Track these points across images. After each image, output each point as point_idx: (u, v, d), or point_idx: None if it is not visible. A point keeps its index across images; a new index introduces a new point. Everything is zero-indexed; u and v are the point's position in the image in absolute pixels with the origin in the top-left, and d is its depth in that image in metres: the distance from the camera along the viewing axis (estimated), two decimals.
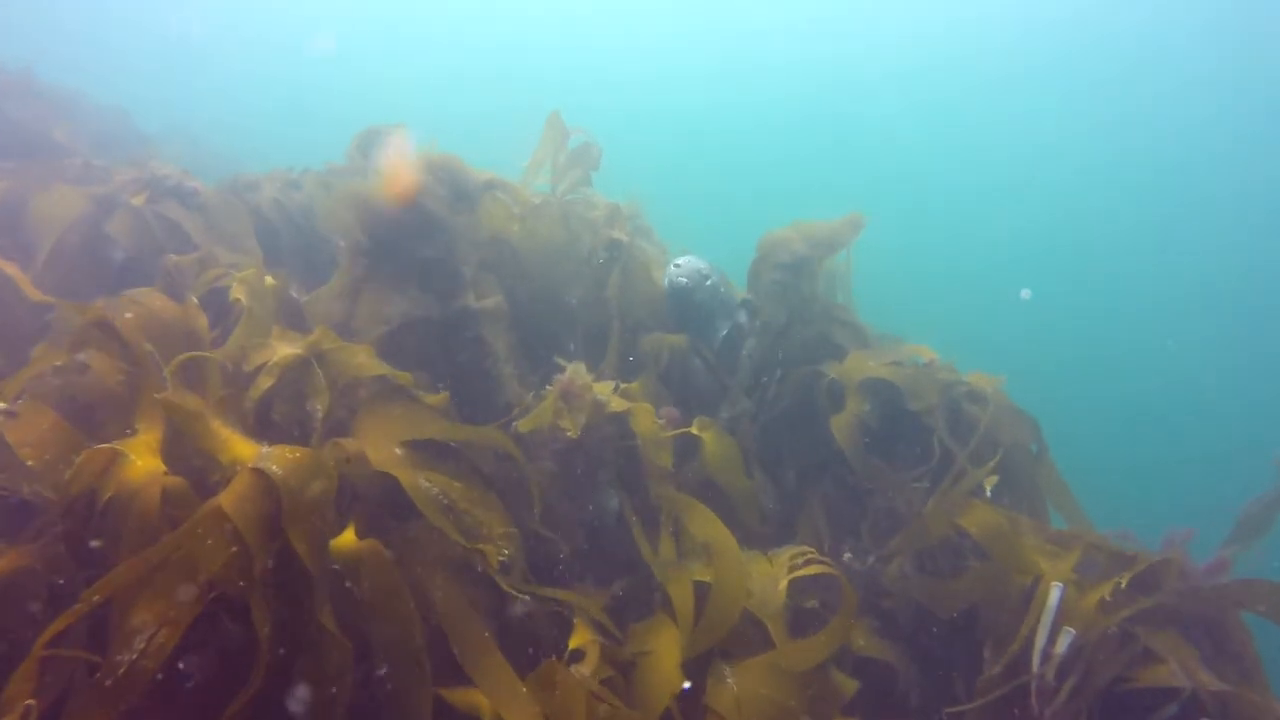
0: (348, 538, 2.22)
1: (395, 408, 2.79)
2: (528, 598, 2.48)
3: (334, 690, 1.88)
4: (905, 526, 3.53)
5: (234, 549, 1.75)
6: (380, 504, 2.49)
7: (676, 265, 4.27)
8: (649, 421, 3.30)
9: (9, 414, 2.02)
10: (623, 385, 3.45)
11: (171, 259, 3.40)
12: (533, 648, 2.51)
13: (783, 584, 3.04)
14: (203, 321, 2.79)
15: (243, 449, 1.95)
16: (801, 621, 3.16)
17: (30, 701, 1.67)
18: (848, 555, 3.75)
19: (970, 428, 3.89)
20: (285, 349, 2.66)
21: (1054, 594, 2.70)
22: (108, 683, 1.65)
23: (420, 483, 2.38)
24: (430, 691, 2.11)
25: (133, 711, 1.73)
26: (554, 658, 2.30)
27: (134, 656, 1.68)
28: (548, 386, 3.23)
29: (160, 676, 1.72)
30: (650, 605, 3.07)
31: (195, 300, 2.81)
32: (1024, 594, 2.89)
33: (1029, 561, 2.92)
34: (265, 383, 2.56)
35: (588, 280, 4.33)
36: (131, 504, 1.84)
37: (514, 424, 3.16)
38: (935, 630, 3.28)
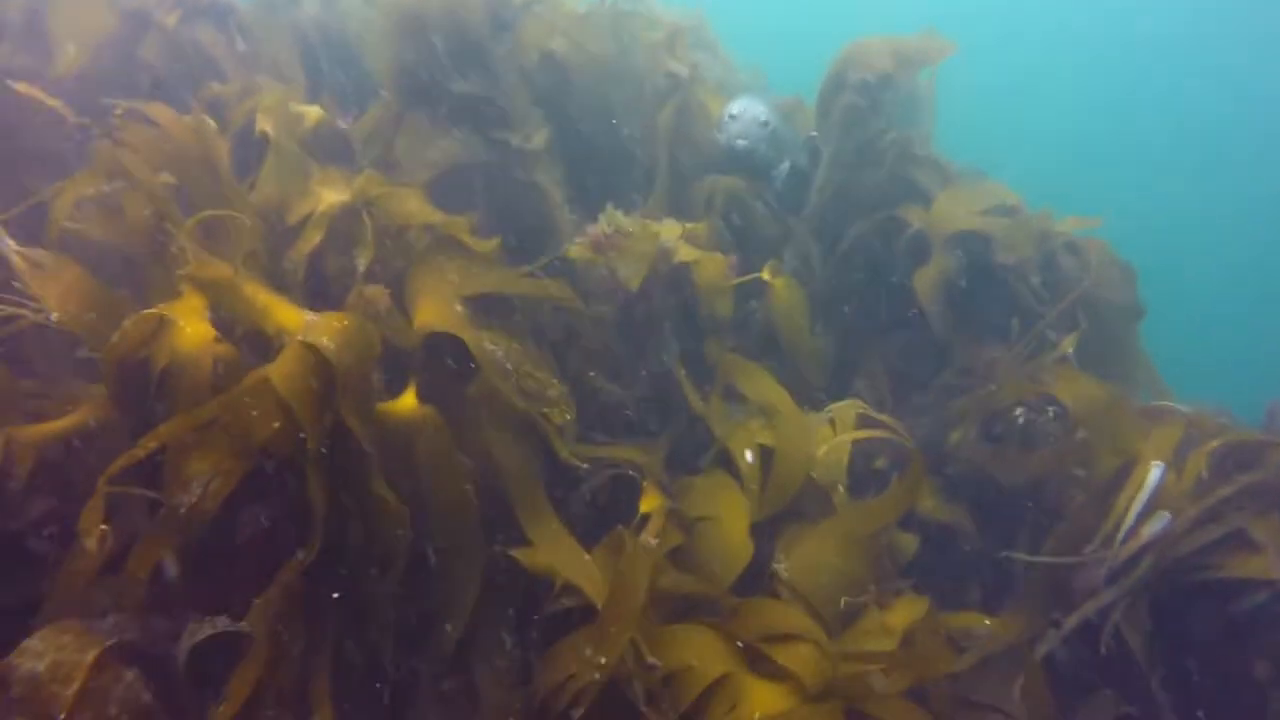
0: (407, 402, 2.17)
1: (452, 259, 2.63)
2: (586, 465, 2.44)
3: (388, 554, 1.90)
4: (980, 390, 3.35)
5: (281, 423, 1.69)
6: (436, 362, 2.42)
7: (731, 117, 3.75)
8: (715, 270, 3.09)
9: (37, 265, 1.93)
10: (687, 226, 3.20)
11: (211, 88, 3.16)
12: (597, 511, 2.52)
13: (846, 447, 2.94)
14: (222, 153, 2.55)
15: (287, 316, 1.85)
16: (863, 482, 3.11)
17: (104, 526, 1.74)
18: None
19: (1066, 284, 3.55)
20: (331, 195, 2.49)
21: (1154, 473, 2.53)
22: (170, 520, 1.67)
23: (485, 345, 2.28)
24: (481, 558, 2.14)
25: (195, 554, 1.80)
26: (620, 526, 2.28)
27: (193, 499, 1.70)
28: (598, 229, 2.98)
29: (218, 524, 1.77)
30: (696, 459, 3.03)
31: (213, 125, 2.56)
32: (1114, 474, 2.72)
33: (1127, 440, 2.73)
34: (314, 237, 2.42)
35: (646, 112, 3.95)
36: (183, 373, 1.78)
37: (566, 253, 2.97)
38: (997, 500, 3.19)
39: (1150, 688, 2.64)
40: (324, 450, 1.79)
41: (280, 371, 1.71)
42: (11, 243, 1.99)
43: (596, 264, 2.97)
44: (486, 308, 2.62)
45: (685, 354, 3.28)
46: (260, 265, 2.42)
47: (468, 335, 2.25)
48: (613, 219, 2.95)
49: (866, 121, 3.70)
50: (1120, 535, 2.59)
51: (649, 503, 2.35)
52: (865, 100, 3.66)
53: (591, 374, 3.00)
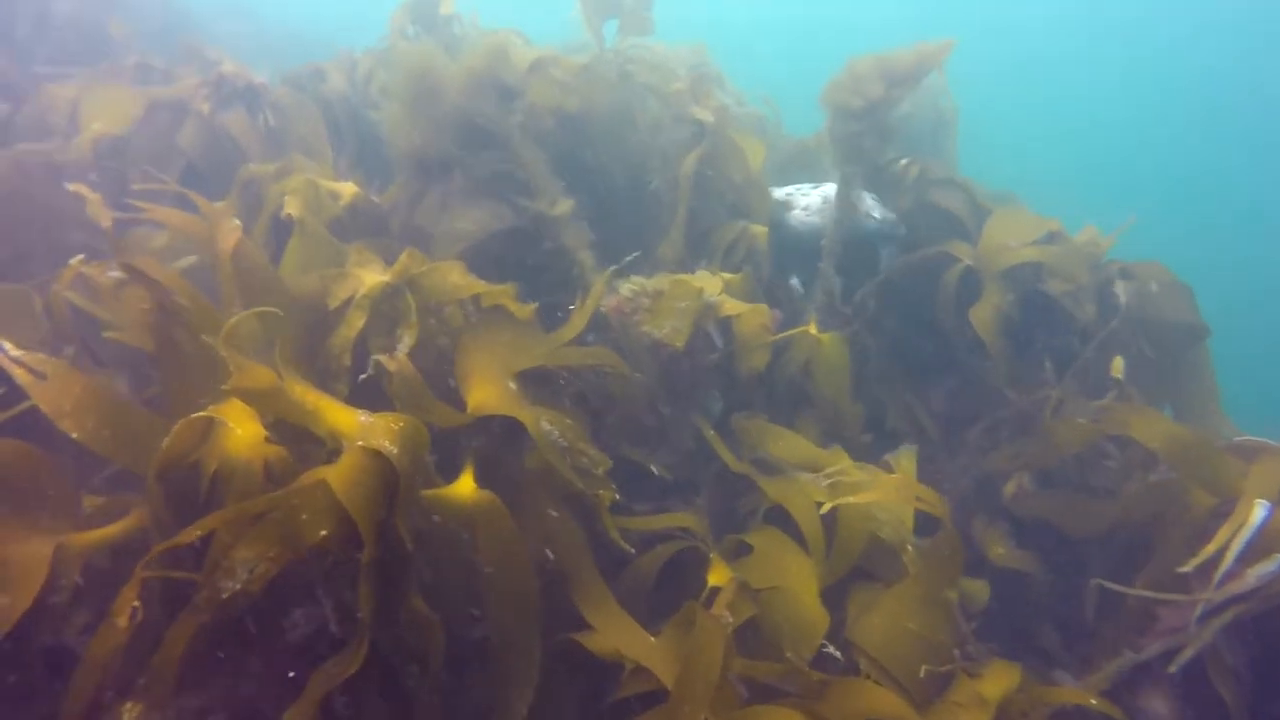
0: (465, 487, 2.10)
1: (499, 333, 2.59)
2: (633, 549, 2.35)
3: (425, 667, 1.82)
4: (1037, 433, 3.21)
5: (332, 528, 1.64)
6: (487, 441, 2.36)
7: (804, 208, 3.72)
8: (757, 324, 3.02)
9: (38, 375, 1.89)
10: (726, 277, 3.14)
11: (246, 170, 3.19)
12: (656, 587, 2.43)
13: (910, 503, 2.82)
14: (246, 240, 2.52)
15: (339, 418, 1.79)
16: (925, 528, 2.98)
17: (136, 603, 1.69)
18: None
19: (1124, 311, 3.43)
20: (372, 277, 2.47)
21: (1259, 512, 2.38)
22: (211, 600, 1.62)
23: (543, 426, 2.22)
24: (537, 645, 2.05)
25: (235, 643, 1.73)
26: (692, 600, 2.18)
27: (236, 585, 1.64)
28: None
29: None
30: (733, 517, 2.93)
31: (236, 219, 2.55)
32: (1208, 514, 2.58)
33: (1223, 479, 2.58)
34: (357, 322, 2.39)
35: (669, 160, 3.93)
36: (234, 476, 1.74)
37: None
38: (1065, 545, 3.04)
39: None
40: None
41: (340, 476, 1.65)
42: (12, 349, 1.93)
43: (636, 329, 2.92)
44: (534, 379, 2.58)
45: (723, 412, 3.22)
46: (299, 356, 2.39)
47: (526, 416, 2.19)
48: (636, 284, 2.91)
49: (874, 150, 3.65)
50: (1218, 575, 2.44)
51: (718, 575, 2.26)
52: (862, 125, 3.59)
53: (629, 442, 2.94)
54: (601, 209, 3.78)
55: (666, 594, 2.51)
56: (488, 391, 2.23)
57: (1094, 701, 2.23)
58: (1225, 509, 2.48)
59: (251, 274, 2.30)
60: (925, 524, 2.81)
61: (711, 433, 3.02)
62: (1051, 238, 3.60)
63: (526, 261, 3.27)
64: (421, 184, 3.21)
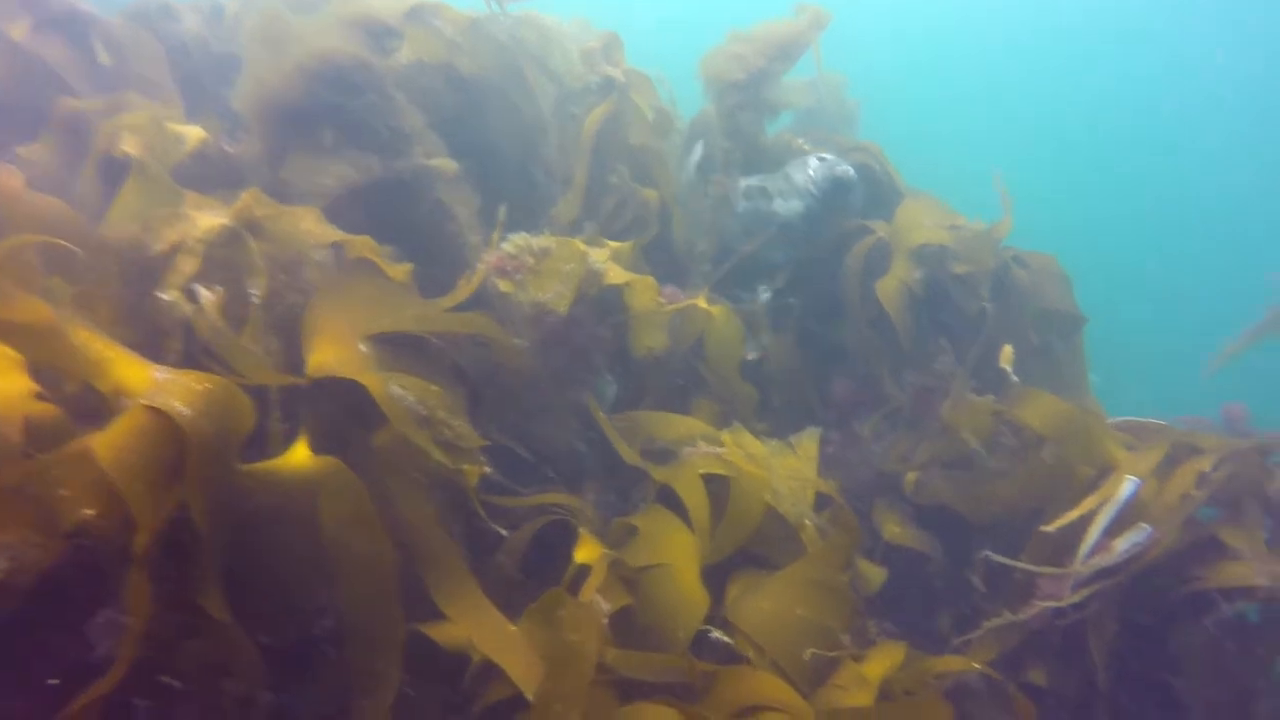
0: (299, 455, 1.83)
1: (359, 288, 2.32)
2: (506, 532, 2.12)
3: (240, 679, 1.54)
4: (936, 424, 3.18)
5: (101, 507, 1.34)
6: (337, 407, 2.09)
7: (781, 193, 3.50)
8: (648, 296, 2.84)
9: None
10: (613, 245, 2.96)
11: (66, 103, 2.76)
12: (526, 570, 2.21)
13: (812, 477, 2.71)
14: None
15: (130, 373, 1.49)
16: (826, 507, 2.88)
17: None
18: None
19: (1016, 296, 3.46)
20: (209, 219, 2.14)
21: (1126, 487, 2.38)
22: None
23: (393, 391, 1.96)
24: (401, 634, 1.80)
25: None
26: (555, 587, 1.97)
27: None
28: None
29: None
30: (632, 499, 2.76)
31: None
32: (1086, 487, 2.57)
33: (1103, 451, 2.58)
34: (187, 267, 2.06)
35: (573, 121, 3.73)
36: None
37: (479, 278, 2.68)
38: (964, 525, 3.02)
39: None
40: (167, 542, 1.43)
41: (109, 443, 1.35)
42: None
43: (518, 293, 2.70)
44: (400, 346, 2.31)
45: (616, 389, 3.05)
46: (122, 314, 2.05)
47: (371, 380, 1.92)
48: (520, 241, 2.67)
49: (753, 126, 3.57)
50: (1084, 549, 2.44)
51: (586, 551, 2.05)
52: (743, 97, 3.51)
53: (513, 420, 2.72)
54: (491, 178, 3.54)
55: (551, 582, 2.30)
56: (331, 352, 1.96)
57: (976, 665, 2.16)
58: (1102, 481, 2.49)
59: (33, 210, 1.93)
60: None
61: (603, 417, 2.83)
62: (956, 227, 3.62)
63: (403, 224, 2.98)
64: (284, 137, 2.87)
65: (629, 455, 2.72)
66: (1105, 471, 2.55)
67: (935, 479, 3.06)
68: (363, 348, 2.06)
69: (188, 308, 1.86)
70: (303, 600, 1.93)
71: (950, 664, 2.21)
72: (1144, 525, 2.34)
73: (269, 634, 1.88)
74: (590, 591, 1.94)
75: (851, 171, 3.46)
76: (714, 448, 2.61)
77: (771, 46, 3.66)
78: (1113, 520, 2.41)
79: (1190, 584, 2.43)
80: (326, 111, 2.81)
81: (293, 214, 2.21)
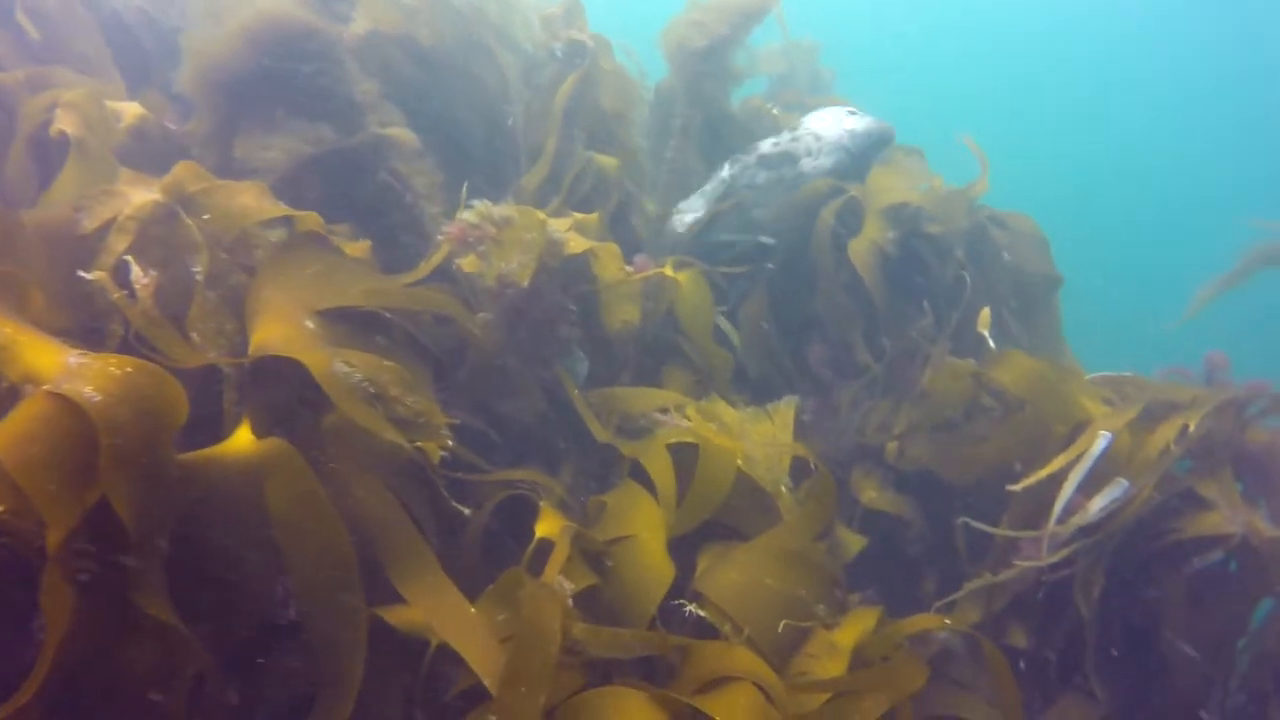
0: (242, 440, 1.74)
1: (307, 264, 2.22)
2: (467, 511, 2.05)
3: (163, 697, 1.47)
4: (916, 373, 3.13)
5: (10, 503, 1.26)
6: (286, 388, 2.00)
7: (810, 152, 3.40)
8: (614, 265, 2.76)
9: None
10: (578, 216, 2.87)
11: None
12: (493, 549, 2.14)
13: (788, 442, 2.65)
14: None
15: (39, 358, 1.40)
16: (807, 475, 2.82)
17: None
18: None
19: (992, 255, 3.40)
20: (142, 195, 2.04)
21: (1099, 442, 2.34)
22: None
23: (336, 368, 1.87)
24: (363, 620, 1.74)
25: None
26: (516, 565, 1.91)
27: None
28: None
29: None
30: (610, 478, 2.70)
31: None
32: (1062, 443, 2.53)
33: (1078, 407, 2.54)
34: (118, 245, 1.96)
35: (540, 91, 3.62)
36: None
37: (455, 263, 2.61)
38: (947, 489, 2.98)
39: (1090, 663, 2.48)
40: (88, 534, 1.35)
41: (7, 433, 1.27)
42: None
43: (479, 264, 2.61)
44: (355, 323, 2.22)
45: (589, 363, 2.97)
46: (56, 299, 1.95)
47: (311, 357, 1.83)
48: (481, 209, 2.57)
49: (717, 94, 3.48)
50: (1059, 507, 2.41)
51: (546, 525, 1.98)
52: (707, 66, 3.43)
53: (484, 392, 2.65)
54: (455, 151, 3.43)
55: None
56: (274, 331, 1.87)
57: (947, 621, 2.13)
58: (1077, 437, 2.45)
59: None
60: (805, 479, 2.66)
61: (576, 393, 2.75)
62: (932, 188, 3.55)
63: (361, 197, 2.88)
64: (231, 110, 2.75)
65: (600, 432, 2.66)
66: (1080, 427, 2.50)
67: (915, 444, 3.01)
68: (309, 324, 1.97)
69: (113, 288, 1.76)
70: (259, 590, 1.86)
71: (922, 623, 2.17)
72: (1121, 480, 2.30)
73: (224, 628, 1.82)
74: (555, 567, 1.88)
75: (889, 125, 3.39)
76: (684, 419, 2.55)
77: (733, 13, 3.59)
78: (1087, 476, 2.37)
79: (1167, 536, 2.40)
80: (274, 80, 2.68)
81: (229, 188, 2.11)
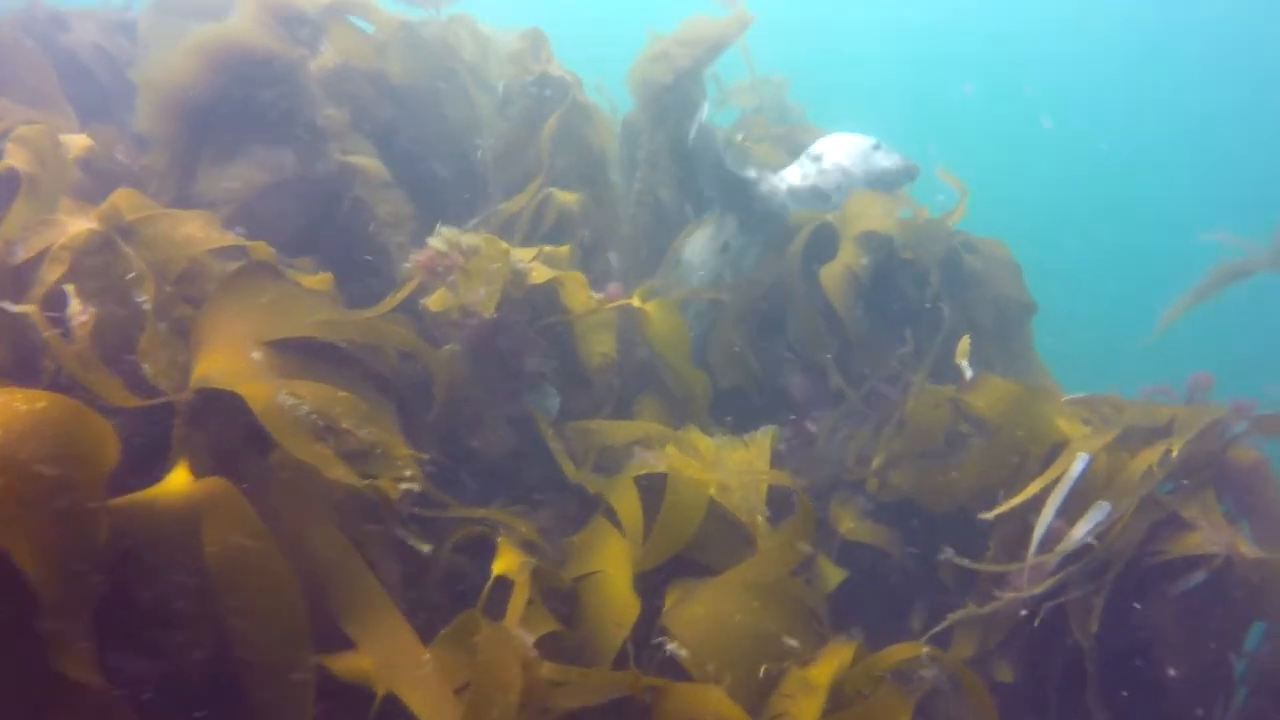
0: (177, 481, 1.64)
1: (259, 295, 2.13)
2: (428, 548, 1.94)
3: None
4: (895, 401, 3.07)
5: None
6: (236, 425, 1.90)
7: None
8: (583, 295, 2.70)
9: None
10: (545, 249, 2.82)
11: None
12: (466, 592, 2.02)
13: (764, 472, 2.56)
14: None
15: None
16: (787, 508, 2.74)
17: None
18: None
19: (968, 282, 3.38)
20: (80, 223, 1.95)
21: (1077, 465, 2.28)
22: None
23: (281, 400, 1.77)
24: (310, 670, 1.62)
25: None
26: (474, 608, 1.79)
27: None
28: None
29: None
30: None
31: None
32: (1040, 465, 2.47)
33: (1053, 429, 2.48)
34: (50, 276, 1.87)
35: (504, 128, 3.61)
36: None
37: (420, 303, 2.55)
38: (930, 519, 2.90)
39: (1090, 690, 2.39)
40: None
41: None
42: None
43: (448, 298, 2.54)
44: (312, 356, 2.13)
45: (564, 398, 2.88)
46: None
47: (253, 389, 1.73)
48: (449, 235, 2.51)
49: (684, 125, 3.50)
50: (1038, 532, 2.34)
51: (505, 562, 1.87)
52: (672, 99, 3.45)
53: (452, 428, 2.55)
54: (425, 185, 3.40)
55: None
56: (218, 362, 1.78)
57: (925, 650, 2.04)
58: (1053, 459, 2.39)
59: None
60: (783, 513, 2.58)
61: (547, 429, 2.67)
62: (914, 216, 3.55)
63: (324, 226, 2.80)
64: (189, 138, 2.68)
65: (570, 471, 2.57)
66: (1057, 448, 2.46)
67: (895, 473, 2.94)
68: (257, 356, 1.88)
69: (44, 324, 1.66)
70: (195, 644, 1.74)
71: (901, 653, 2.07)
72: (1103, 503, 2.24)
73: (159, 688, 1.69)
74: (516, 607, 1.77)
75: (916, 164, 3.62)
76: (655, 451, 2.46)
77: (698, 45, 3.62)
78: (1066, 499, 2.31)
79: (1153, 558, 2.33)
80: (233, 105, 2.63)
81: (174, 217, 2.03)
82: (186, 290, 2.09)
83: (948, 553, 2.57)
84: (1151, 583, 2.38)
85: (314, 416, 1.79)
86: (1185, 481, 2.45)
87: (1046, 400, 2.58)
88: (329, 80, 3.09)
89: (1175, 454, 2.32)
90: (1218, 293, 3.15)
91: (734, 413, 3.25)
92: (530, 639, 1.70)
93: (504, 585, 1.96)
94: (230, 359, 1.81)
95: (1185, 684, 2.36)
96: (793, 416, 3.39)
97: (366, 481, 1.83)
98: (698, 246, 3.49)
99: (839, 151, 3.58)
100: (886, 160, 3.59)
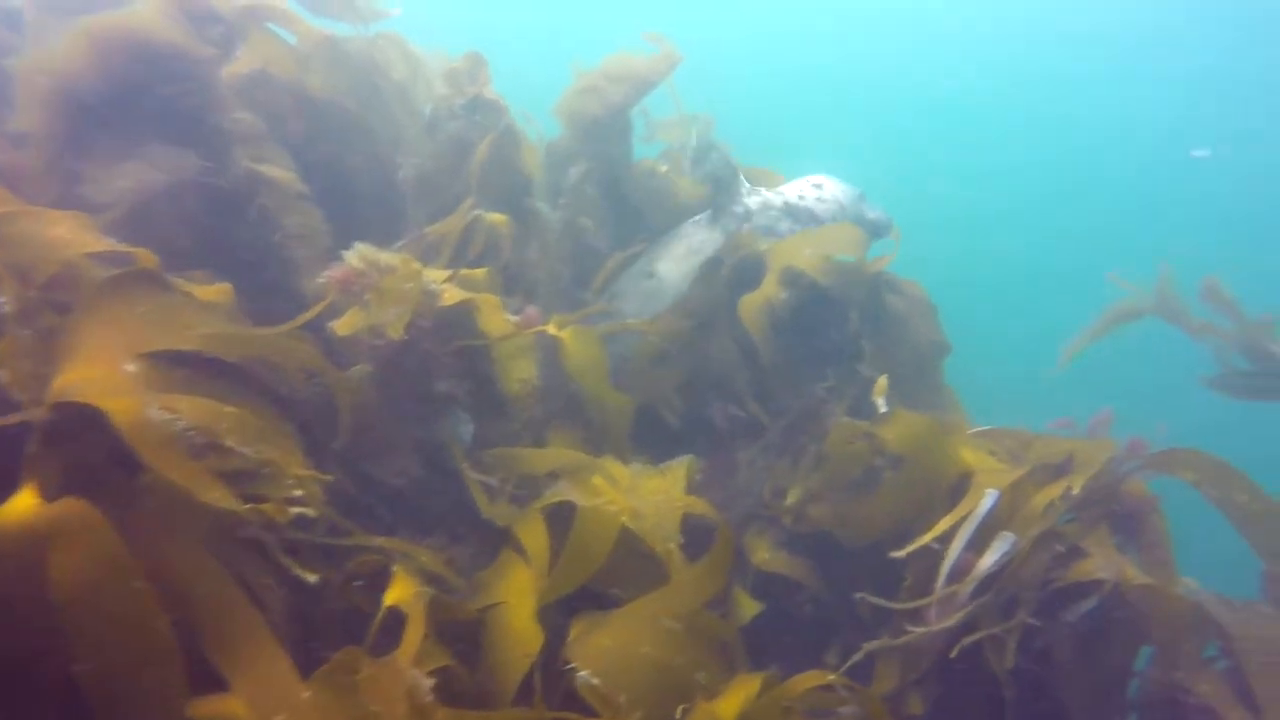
0: (23, 503, 1.47)
1: (138, 304, 1.97)
2: (315, 578, 1.81)
3: None
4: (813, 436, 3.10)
5: None
6: (102, 443, 1.74)
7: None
8: (498, 318, 2.63)
9: None
10: (462, 272, 2.74)
11: None
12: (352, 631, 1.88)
13: (680, 499, 2.52)
14: None
15: None
16: (704, 540, 2.70)
17: None
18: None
19: (888, 321, 3.46)
20: None
21: (986, 500, 2.33)
22: None
23: (149, 415, 1.62)
24: (179, 714, 1.46)
25: None
26: (353, 646, 1.66)
27: None
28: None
29: None
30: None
31: None
32: (948, 496, 2.52)
33: (956, 460, 2.54)
34: None
35: (432, 149, 3.53)
36: None
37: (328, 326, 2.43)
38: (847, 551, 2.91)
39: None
40: None
41: None
42: None
43: (360, 318, 2.43)
44: (203, 371, 1.98)
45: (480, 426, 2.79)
46: None
47: (118, 403, 1.59)
48: (367, 255, 2.41)
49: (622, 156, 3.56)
50: (945, 568, 2.38)
51: (399, 592, 1.76)
52: (601, 130, 3.49)
53: (357, 453, 2.42)
54: (344, 203, 3.28)
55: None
56: (83, 373, 1.63)
57: (831, 677, 2.01)
58: (961, 491, 2.44)
59: None
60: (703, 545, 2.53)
61: (464, 460, 2.57)
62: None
63: (226, 239, 2.64)
64: (77, 133, 2.47)
65: (483, 503, 2.47)
66: (964, 479, 2.51)
67: (811, 506, 2.94)
68: (130, 368, 1.73)
69: None
70: (43, 685, 1.55)
71: (807, 681, 2.04)
72: (1008, 534, 2.29)
73: None
74: (411, 641, 1.65)
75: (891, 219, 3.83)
76: (570, 480, 2.39)
77: (626, 82, 3.69)
78: (975, 534, 2.36)
79: (1051, 585, 2.39)
80: (129, 100, 2.45)
81: (40, 217, 1.87)
82: (55, 296, 1.92)
83: (862, 595, 2.58)
84: (1051, 611, 2.43)
85: (191, 433, 1.65)
86: (1082, 513, 2.53)
87: (952, 433, 2.64)
88: (243, 86, 2.96)
89: (1076, 490, 2.39)
90: (1110, 331, 3.34)
91: (660, 443, 3.22)
92: (424, 676, 1.58)
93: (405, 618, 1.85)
94: (98, 371, 1.66)
95: (1084, 707, 2.41)
96: (714, 448, 3.37)
97: (248, 505, 1.69)
98: (662, 266, 3.51)
99: (837, 188, 3.78)
100: (871, 212, 3.79)
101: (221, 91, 2.49)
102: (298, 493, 1.85)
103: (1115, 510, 2.57)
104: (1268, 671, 2.29)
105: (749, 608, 2.55)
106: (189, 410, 1.68)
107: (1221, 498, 2.46)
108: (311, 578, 1.79)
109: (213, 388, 1.86)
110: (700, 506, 2.44)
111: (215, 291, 2.31)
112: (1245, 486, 2.43)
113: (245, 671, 1.54)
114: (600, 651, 1.88)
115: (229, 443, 1.72)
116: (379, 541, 2.03)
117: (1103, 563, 2.37)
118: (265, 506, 1.73)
